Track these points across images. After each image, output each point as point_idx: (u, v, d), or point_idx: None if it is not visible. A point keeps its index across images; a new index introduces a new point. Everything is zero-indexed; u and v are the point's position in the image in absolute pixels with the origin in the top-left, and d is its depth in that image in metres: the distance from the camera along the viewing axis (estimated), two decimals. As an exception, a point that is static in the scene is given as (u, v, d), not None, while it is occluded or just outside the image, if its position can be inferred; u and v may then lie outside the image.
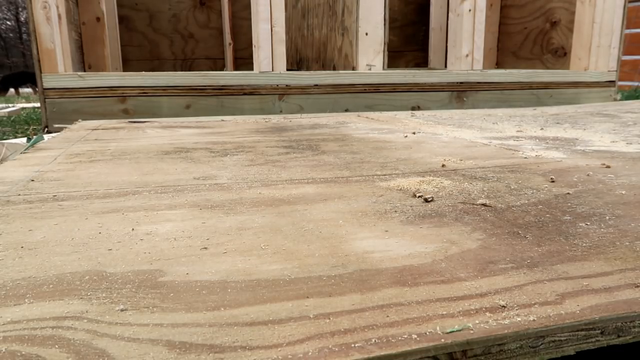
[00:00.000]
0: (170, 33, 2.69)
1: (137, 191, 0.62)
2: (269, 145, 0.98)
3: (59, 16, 1.71)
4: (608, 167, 0.74)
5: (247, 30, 2.06)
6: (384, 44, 1.92)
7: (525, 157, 0.83)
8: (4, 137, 1.72)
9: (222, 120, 1.44)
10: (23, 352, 0.26)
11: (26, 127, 2.01)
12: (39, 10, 1.65)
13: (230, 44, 2.65)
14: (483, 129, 1.20)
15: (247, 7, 1.92)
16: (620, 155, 0.84)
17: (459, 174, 0.71)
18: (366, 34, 1.88)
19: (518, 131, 1.16)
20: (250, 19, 1.81)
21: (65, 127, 1.39)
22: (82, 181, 0.68)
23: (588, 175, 0.70)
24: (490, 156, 0.85)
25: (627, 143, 0.97)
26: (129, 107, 1.74)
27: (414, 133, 1.13)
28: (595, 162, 0.79)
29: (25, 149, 1.01)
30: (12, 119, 2.31)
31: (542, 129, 1.20)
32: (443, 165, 0.76)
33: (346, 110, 1.87)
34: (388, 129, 1.22)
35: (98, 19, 2.06)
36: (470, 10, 1.99)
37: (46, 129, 1.69)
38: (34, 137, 1.38)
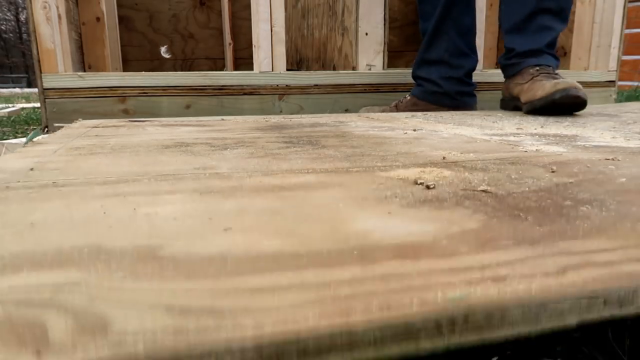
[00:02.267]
0: (170, 33, 2.69)
1: (137, 179, 0.62)
2: (269, 140, 0.98)
3: (59, 16, 1.71)
4: (608, 159, 0.74)
5: (247, 30, 2.07)
6: (384, 44, 1.92)
7: (526, 151, 0.83)
8: (4, 137, 1.72)
9: (223, 120, 1.44)
10: (21, 315, 0.26)
11: (26, 127, 2.01)
12: (39, 10, 1.66)
13: (230, 44, 2.66)
14: (483, 127, 1.20)
15: (247, 7, 1.93)
16: (621, 150, 0.84)
17: (459, 165, 0.71)
18: (366, 34, 1.88)
19: (518, 128, 1.16)
20: (250, 19, 1.82)
21: (65, 126, 1.39)
22: (82, 171, 0.68)
23: (588, 166, 0.70)
24: (491, 150, 0.85)
25: (627, 139, 0.97)
26: (129, 107, 1.74)
27: (414, 130, 1.13)
28: (596, 155, 0.79)
29: (24, 144, 1.01)
30: (12, 119, 2.31)
31: (542, 127, 1.20)
32: (444, 158, 0.76)
33: (346, 111, 1.87)
34: (388, 126, 1.22)
35: (98, 19, 2.07)
36: (470, 11, 2.00)
37: (46, 129, 1.69)
38: (31, 132, 1.38)
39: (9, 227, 0.42)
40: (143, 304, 0.27)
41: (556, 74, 1.48)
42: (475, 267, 0.33)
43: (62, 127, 1.43)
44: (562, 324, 0.30)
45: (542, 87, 1.41)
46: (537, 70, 1.48)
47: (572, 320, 0.30)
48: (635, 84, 3.19)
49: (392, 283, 0.30)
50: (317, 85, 1.86)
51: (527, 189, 0.57)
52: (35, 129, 1.89)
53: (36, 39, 1.66)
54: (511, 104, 1.65)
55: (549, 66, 1.50)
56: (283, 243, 0.37)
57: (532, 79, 1.48)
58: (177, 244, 0.37)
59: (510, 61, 1.59)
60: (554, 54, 1.56)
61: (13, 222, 0.44)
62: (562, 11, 1.52)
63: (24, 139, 1.62)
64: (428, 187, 0.57)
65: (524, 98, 1.50)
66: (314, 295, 0.28)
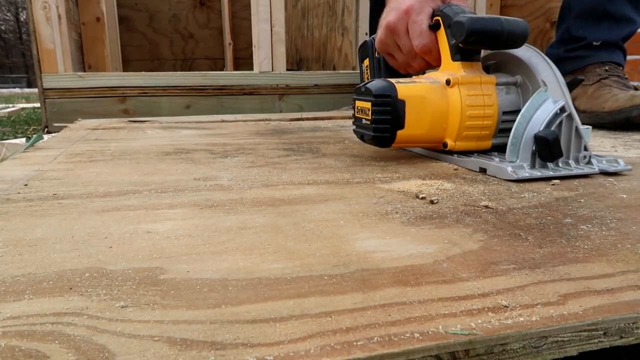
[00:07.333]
0: (170, 33, 2.69)
1: (138, 190, 0.62)
2: (269, 147, 0.98)
3: (59, 16, 1.71)
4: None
5: (247, 30, 2.06)
6: (385, 46, 1.92)
7: (526, 160, 0.83)
8: (4, 137, 1.72)
9: (223, 121, 1.44)
10: (23, 348, 0.26)
11: (26, 127, 2.01)
12: (39, 10, 1.65)
13: (230, 44, 2.65)
14: (483, 132, 1.20)
15: (247, 7, 1.92)
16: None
17: (459, 176, 0.71)
18: (366, 33, 1.88)
19: (518, 134, 1.16)
20: (250, 19, 1.82)
21: (65, 127, 1.38)
22: (82, 180, 0.68)
23: (588, 179, 0.70)
24: (491, 159, 0.84)
25: (627, 148, 0.97)
26: (129, 107, 1.74)
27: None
28: (596, 165, 0.78)
29: (25, 149, 1.00)
30: (12, 119, 2.31)
31: (542, 132, 1.19)
32: (443, 169, 0.76)
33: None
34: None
35: (98, 19, 2.06)
36: (470, 12, 1.99)
37: (46, 129, 1.69)
38: (34, 136, 1.38)
39: (11, 246, 0.42)
40: (145, 336, 0.27)
41: (626, 78, 1.24)
42: (476, 294, 0.33)
43: (62, 127, 1.43)
44: (562, 355, 0.30)
45: (613, 98, 1.15)
46: (606, 70, 1.23)
47: (572, 351, 0.30)
48: (635, 84, 3.19)
49: (392, 313, 0.30)
50: (317, 85, 1.86)
51: (527, 204, 0.57)
52: (35, 129, 1.89)
53: (36, 39, 1.66)
54: None
55: (619, 66, 1.26)
56: (284, 267, 0.37)
57: (599, 80, 1.22)
58: (178, 267, 0.37)
59: (575, 53, 1.28)
60: (625, 50, 1.29)
61: (14, 240, 0.44)
62: None
63: (24, 139, 1.61)
64: (429, 202, 0.57)
65: (584, 105, 1.23)
66: (316, 327, 0.28)
